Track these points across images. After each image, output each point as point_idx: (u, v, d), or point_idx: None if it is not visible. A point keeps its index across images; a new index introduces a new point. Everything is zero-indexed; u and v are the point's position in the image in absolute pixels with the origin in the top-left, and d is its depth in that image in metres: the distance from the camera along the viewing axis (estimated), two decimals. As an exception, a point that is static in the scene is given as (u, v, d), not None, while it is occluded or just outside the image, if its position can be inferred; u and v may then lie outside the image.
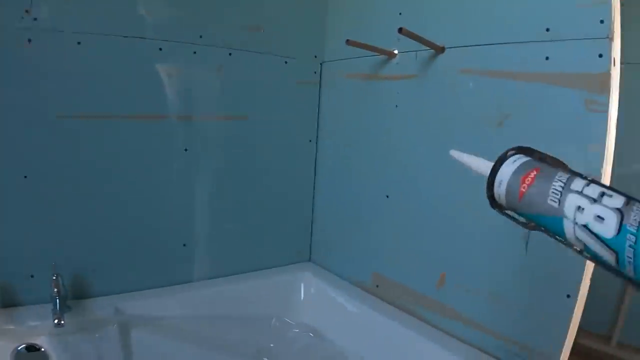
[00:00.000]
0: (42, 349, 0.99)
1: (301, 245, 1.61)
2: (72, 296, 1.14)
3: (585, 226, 0.42)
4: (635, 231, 0.38)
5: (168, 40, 1.22)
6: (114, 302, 1.18)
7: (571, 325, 0.91)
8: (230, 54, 1.32)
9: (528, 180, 0.50)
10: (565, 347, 0.93)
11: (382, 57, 1.29)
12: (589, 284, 0.90)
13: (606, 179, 0.88)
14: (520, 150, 0.56)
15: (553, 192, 0.46)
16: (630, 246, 0.38)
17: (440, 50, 1.13)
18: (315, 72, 1.52)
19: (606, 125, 0.86)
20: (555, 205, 0.46)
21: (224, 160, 1.37)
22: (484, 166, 0.59)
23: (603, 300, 1.99)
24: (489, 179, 0.55)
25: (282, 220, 1.54)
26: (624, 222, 0.39)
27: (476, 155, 0.62)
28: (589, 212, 0.42)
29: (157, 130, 1.24)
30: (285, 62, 1.43)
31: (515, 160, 0.54)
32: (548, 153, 0.53)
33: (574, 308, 0.90)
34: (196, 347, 1.24)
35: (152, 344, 1.17)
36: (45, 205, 1.12)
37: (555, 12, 0.93)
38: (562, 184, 0.46)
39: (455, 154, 0.66)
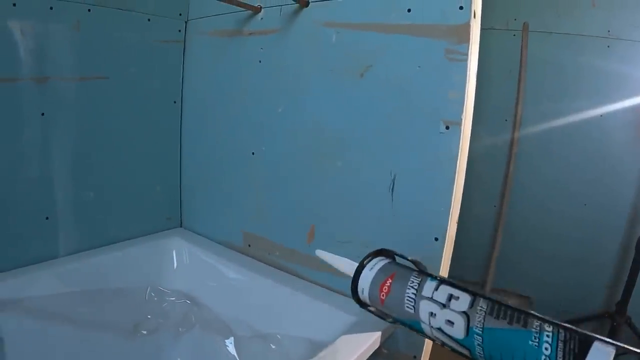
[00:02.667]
0: None
1: (171, 212, 1.68)
2: None
3: (439, 329, 0.53)
4: (480, 332, 0.48)
5: (22, -6, 1.18)
6: (-26, 287, 1.14)
7: (441, 267, 1.03)
8: (89, 10, 1.31)
9: (385, 289, 0.60)
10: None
11: (247, 12, 1.37)
12: (456, 226, 1.05)
13: (467, 123, 1.01)
14: (377, 254, 0.69)
15: (407, 300, 0.57)
16: (478, 345, 0.48)
17: (305, 3, 1.24)
18: (179, 31, 1.57)
19: (466, 73, 0.98)
20: (411, 311, 0.56)
21: (85, 124, 1.37)
22: (347, 267, 0.71)
23: (476, 248, 2.35)
24: (352, 286, 0.67)
25: (149, 186, 1.59)
26: (470, 325, 0.49)
27: (339, 257, 0.75)
28: (440, 317, 0.52)
29: (10, 94, 1.20)
30: (149, 20, 1.46)
31: (372, 267, 0.66)
32: (402, 254, 0.66)
33: (442, 250, 1.03)
34: (69, 326, 1.25)
35: (22, 327, 1.17)
36: None
37: (417, -34, 1.03)
38: (415, 291, 0.57)
39: (320, 254, 0.80)
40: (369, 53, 1.14)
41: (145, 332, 1.39)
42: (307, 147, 1.29)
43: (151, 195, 1.62)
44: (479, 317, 0.48)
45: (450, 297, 0.52)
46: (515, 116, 2.23)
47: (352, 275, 0.68)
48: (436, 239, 1.05)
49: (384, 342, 1.09)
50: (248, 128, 1.44)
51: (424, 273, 0.60)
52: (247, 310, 1.33)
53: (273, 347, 1.21)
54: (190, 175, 1.68)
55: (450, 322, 0.51)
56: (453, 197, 1.02)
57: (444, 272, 1.07)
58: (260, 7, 1.35)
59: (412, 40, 1.06)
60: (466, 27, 0.97)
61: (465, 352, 0.50)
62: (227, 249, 1.54)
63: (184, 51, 1.61)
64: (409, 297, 0.57)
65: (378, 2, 1.11)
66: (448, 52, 1.00)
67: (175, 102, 1.63)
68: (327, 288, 1.28)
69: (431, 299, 0.54)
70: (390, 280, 0.61)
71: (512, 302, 1.81)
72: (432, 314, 0.53)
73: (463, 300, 0.51)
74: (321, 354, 0.96)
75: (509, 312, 0.47)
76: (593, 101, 2.15)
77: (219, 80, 1.51)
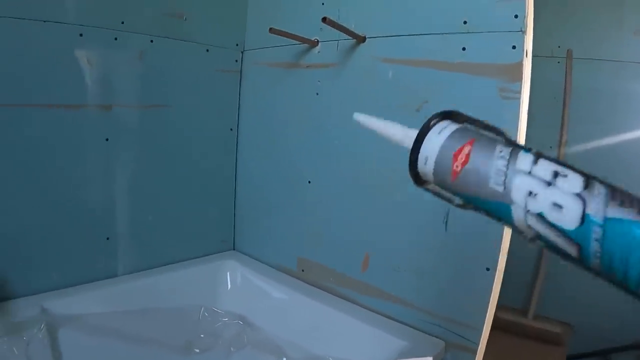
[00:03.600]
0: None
1: (225, 234, 1.73)
2: (-6, 298, 1.15)
3: (539, 215, 0.38)
4: (601, 222, 0.35)
5: (89, 26, 1.25)
6: (39, 302, 1.21)
7: (492, 296, 1.07)
8: (151, 41, 1.39)
9: (462, 157, 0.45)
10: (487, 317, 1.08)
11: (304, 46, 1.42)
12: (506, 257, 1.06)
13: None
14: (445, 115, 0.51)
15: (496, 174, 0.41)
16: (596, 240, 0.35)
17: (362, 39, 1.28)
18: (236, 61, 1.63)
19: (518, 110, 1.00)
20: (500, 189, 0.41)
21: (146, 150, 1.44)
22: (399, 133, 0.54)
23: (519, 276, 2.29)
24: (411, 156, 0.50)
25: (204, 209, 1.65)
26: (587, 211, 0.35)
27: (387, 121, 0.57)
28: (544, 198, 0.38)
29: (77, 120, 1.27)
30: (207, 50, 1.53)
31: (441, 131, 0.49)
32: (477, 118, 0.50)
33: (493, 280, 1.05)
34: (125, 343, 1.30)
35: (81, 342, 1.22)
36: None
37: (473, 6, 1.07)
38: (506, 162, 0.41)
39: (361, 117, 0.59)
40: (425, 89, 1.17)
41: (197, 351, 1.42)
42: (364, 177, 1.32)
43: (207, 218, 1.68)
44: (598, 202, 0.35)
45: (556, 174, 0.38)
46: (560, 143, 2.23)
47: (407, 145, 0.51)
48: (487, 269, 1.07)
49: (434, 367, 1.12)
50: (304, 157, 1.48)
51: (513, 143, 0.44)
52: (299, 333, 1.35)
53: (325, 369, 1.24)
54: (245, 200, 1.73)
55: (557, 206, 0.37)
56: (504, 228, 1.04)
57: (493, 304, 1.10)
58: (317, 41, 1.40)
59: (466, 77, 1.09)
60: (519, 66, 1.01)
61: (573, 249, 0.37)
62: (280, 272, 1.58)
63: (240, 80, 1.67)
64: (497, 170, 0.41)
65: (434, 40, 1.15)
66: (501, 90, 1.03)
67: (231, 129, 1.69)
68: (380, 313, 1.31)
69: (530, 173, 0.39)
70: (469, 147, 0.45)
71: (554, 328, 1.74)
72: (531, 194, 0.38)
73: (574, 180, 0.37)
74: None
75: (635, 201, 0.34)
76: (637, 128, 2.14)
77: (275, 109, 1.57)
